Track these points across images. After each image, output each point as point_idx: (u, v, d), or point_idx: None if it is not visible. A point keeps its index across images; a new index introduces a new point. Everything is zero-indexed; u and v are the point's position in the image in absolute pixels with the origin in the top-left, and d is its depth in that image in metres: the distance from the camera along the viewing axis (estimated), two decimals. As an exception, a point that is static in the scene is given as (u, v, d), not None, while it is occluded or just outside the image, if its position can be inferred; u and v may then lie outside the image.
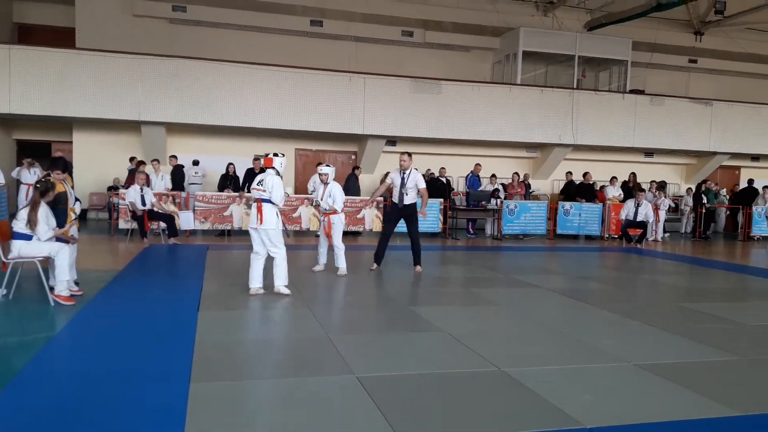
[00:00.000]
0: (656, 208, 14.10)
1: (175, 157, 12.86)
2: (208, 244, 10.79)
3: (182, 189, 12.51)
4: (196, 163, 13.62)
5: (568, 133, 15.38)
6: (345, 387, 3.67)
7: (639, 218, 12.88)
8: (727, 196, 17.06)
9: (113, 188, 13.07)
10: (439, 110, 14.54)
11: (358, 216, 12.88)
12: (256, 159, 13.05)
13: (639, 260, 10.78)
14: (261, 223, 6.19)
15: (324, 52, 15.61)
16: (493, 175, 14.28)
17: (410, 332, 5.06)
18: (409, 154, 8.13)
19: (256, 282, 6.35)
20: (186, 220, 11.58)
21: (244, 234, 12.51)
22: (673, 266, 10.15)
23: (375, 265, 8.30)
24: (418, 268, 8.27)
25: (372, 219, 12.95)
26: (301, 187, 15.06)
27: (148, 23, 14.84)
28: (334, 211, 7.77)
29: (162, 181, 12.33)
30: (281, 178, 6.33)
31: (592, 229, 14.21)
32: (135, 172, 11.51)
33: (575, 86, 16.30)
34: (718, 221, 16.45)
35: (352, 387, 3.65)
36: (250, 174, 12.70)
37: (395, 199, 8.21)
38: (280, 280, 6.32)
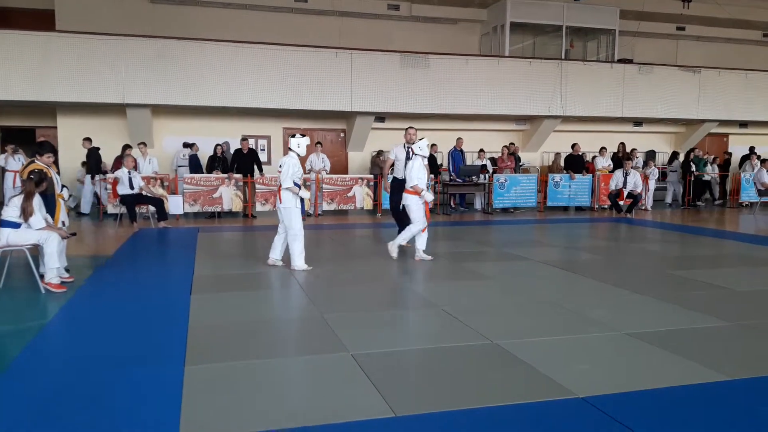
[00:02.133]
0: (645, 178, 14.15)
1: (89, 139, 12.34)
2: (198, 226, 10.75)
3: (100, 172, 12.05)
4: (186, 145, 13.49)
5: (557, 104, 15.32)
6: (340, 364, 3.70)
7: (628, 188, 12.93)
8: (715, 165, 17.09)
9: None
10: (428, 85, 14.42)
11: (349, 194, 12.85)
12: (244, 139, 12.97)
13: (629, 230, 10.86)
14: (280, 202, 6.66)
15: (309, 29, 15.40)
16: (481, 150, 14.25)
17: (404, 309, 5.09)
18: (416, 129, 8.13)
19: (273, 253, 6.90)
20: (175, 205, 11.51)
21: (234, 216, 12.49)
22: (662, 235, 10.22)
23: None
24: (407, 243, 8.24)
25: (363, 197, 12.93)
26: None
27: (130, 3, 14.55)
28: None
29: (150, 164, 12.22)
30: (298, 157, 6.67)
31: (582, 200, 14.27)
32: (121, 157, 11.40)
33: (563, 57, 16.20)
34: (713, 189, 16.51)
35: (346, 364, 3.68)
36: (238, 155, 12.63)
37: (398, 174, 8.18)
38: (295, 258, 6.63)
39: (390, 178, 8.53)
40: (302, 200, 6.83)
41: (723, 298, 5.49)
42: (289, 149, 6.72)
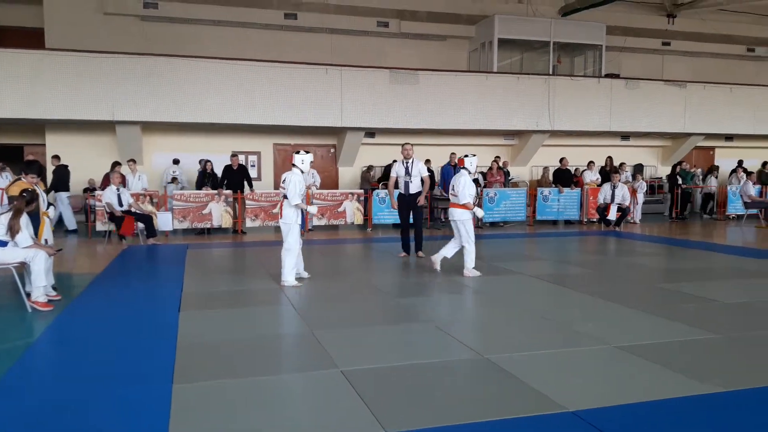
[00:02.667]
0: (633, 191, 14.26)
1: (57, 157, 12.36)
2: (188, 243, 10.70)
3: (67, 189, 12.05)
4: (176, 161, 13.46)
5: (545, 119, 15.46)
6: (329, 381, 3.67)
7: (616, 200, 13.02)
8: (701, 177, 17.25)
9: (89, 190, 12.87)
10: (417, 100, 14.53)
11: (339, 209, 12.85)
12: (234, 156, 12.97)
13: (617, 243, 10.91)
14: (281, 217, 6.78)
15: (300, 45, 15.51)
16: (428, 160, 14.25)
17: (395, 324, 5.07)
18: (411, 145, 8.57)
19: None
20: (164, 222, 11.46)
21: (224, 232, 12.45)
22: (650, 248, 10.28)
23: (403, 253, 8.83)
24: (420, 253, 8.75)
25: (353, 212, 12.93)
26: (280, 182, 14.94)
27: (120, 21, 14.59)
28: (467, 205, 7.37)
29: (139, 181, 12.18)
30: (302, 174, 6.78)
31: (571, 213, 14.35)
32: (110, 173, 11.36)
33: (551, 72, 16.37)
34: (694, 202, 16.68)
35: (336, 381, 3.66)
36: (228, 171, 12.61)
37: (402, 190, 8.67)
38: (284, 272, 6.64)
39: (396, 193, 8.99)
40: (302, 216, 6.95)
41: (711, 310, 5.52)
42: (293, 165, 6.81)
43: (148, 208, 11.58)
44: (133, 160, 12.47)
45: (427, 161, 14.00)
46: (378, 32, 16.35)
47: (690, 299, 5.97)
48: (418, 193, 8.60)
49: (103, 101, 12.47)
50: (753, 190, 14.36)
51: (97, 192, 11.62)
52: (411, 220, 8.87)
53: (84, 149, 13.62)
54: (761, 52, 19.53)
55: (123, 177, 11.13)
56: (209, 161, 12.79)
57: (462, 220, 7.29)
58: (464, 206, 7.31)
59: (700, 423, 3.07)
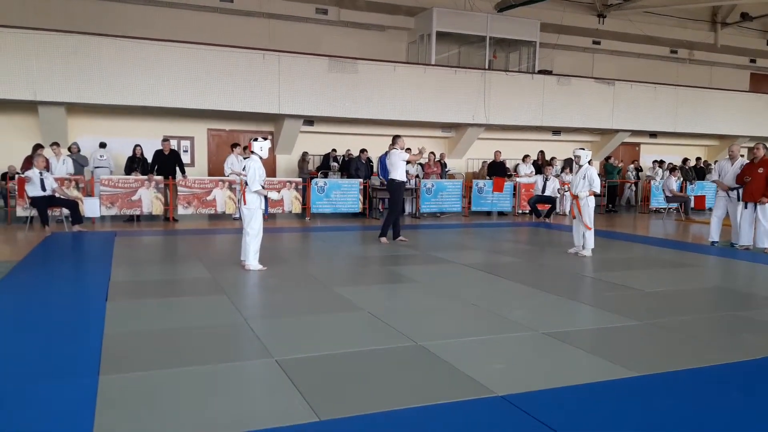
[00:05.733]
0: (564, 184, 14.76)
1: None
2: (116, 230, 10.31)
3: None
4: (102, 145, 12.90)
5: (480, 112, 15.75)
6: (263, 371, 3.64)
7: (547, 193, 13.46)
8: (635, 171, 18.10)
9: (7, 175, 12.14)
10: (356, 90, 14.49)
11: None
12: (165, 140, 12.57)
13: (548, 234, 11.29)
14: (245, 203, 6.90)
15: (236, 29, 15.12)
16: (409, 148, 14.40)
17: (329, 313, 5.07)
18: (396, 136, 9.32)
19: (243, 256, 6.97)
20: (91, 208, 10.99)
21: (153, 219, 12.06)
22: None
23: (403, 238, 9.45)
24: (383, 239, 9.33)
25: (291, 200, 12.79)
26: (214, 169, 14.63)
27: (42, -4, 13.81)
28: (591, 193, 8.35)
29: (64, 165, 11.62)
30: (261, 161, 6.90)
31: (504, 205, 14.73)
32: (32, 157, 10.78)
33: (487, 67, 16.69)
34: (630, 194, 17.50)
35: (270, 370, 3.63)
36: (159, 156, 12.23)
37: (403, 178, 9.40)
38: (249, 257, 6.85)
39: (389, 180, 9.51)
40: (266, 201, 7.12)
41: (633, 298, 5.80)
42: (252, 152, 6.91)
43: (74, 193, 11.08)
44: (57, 144, 11.87)
45: (363, 150, 14.06)
46: (317, 19, 16.17)
47: (613, 288, 6.26)
48: (390, 181, 9.42)
49: (23, 80, 11.79)
50: (675, 185, 15.15)
51: (26, 173, 10.98)
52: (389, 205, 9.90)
53: (2, 131, 12.86)
54: (683, 54, 20.58)
55: (47, 161, 10.58)
56: (138, 145, 12.35)
57: (589, 205, 8.31)
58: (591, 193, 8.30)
59: (621, 404, 3.23)
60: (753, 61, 21.96)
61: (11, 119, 12.89)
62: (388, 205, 9.52)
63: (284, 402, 3.16)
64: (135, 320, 4.71)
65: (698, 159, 19.14)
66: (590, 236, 8.36)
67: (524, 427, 2.91)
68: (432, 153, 14.89)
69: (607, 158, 17.20)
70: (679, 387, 3.50)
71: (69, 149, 12.28)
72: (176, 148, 13.58)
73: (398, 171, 9.19)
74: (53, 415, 2.94)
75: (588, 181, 8.28)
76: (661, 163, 17.62)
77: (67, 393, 3.20)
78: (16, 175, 11.16)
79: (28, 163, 11.21)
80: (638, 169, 17.92)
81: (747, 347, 4.28)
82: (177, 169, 12.20)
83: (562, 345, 4.22)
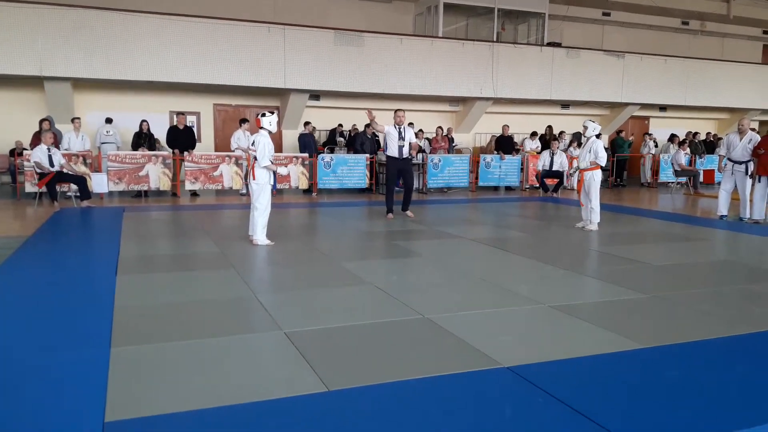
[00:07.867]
0: (572, 159, 14.66)
1: None
2: (124, 206, 10.36)
3: None
4: (109, 121, 12.89)
5: (488, 86, 15.60)
6: (272, 343, 3.68)
7: (554, 167, 13.38)
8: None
9: (15, 151, 12.18)
10: (363, 63, 14.36)
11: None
12: (181, 114, 12.57)
13: (555, 208, 11.26)
14: (254, 179, 6.85)
15: (241, 2, 14.97)
16: (420, 131, 14.34)
17: (337, 287, 5.10)
18: (395, 111, 9.01)
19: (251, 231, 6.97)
20: (99, 183, 11.02)
21: (162, 194, 12.10)
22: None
23: (390, 215, 9.21)
24: (409, 213, 9.38)
25: (298, 176, 12.79)
26: (221, 144, 14.62)
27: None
28: (596, 166, 8.27)
29: (82, 141, 11.64)
30: (269, 136, 6.85)
31: (512, 180, 14.67)
32: (41, 132, 10.79)
33: (495, 39, 16.47)
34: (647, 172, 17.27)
35: (279, 342, 3.66)
36: (174, 131, 12.25)
37: (394, 153, 9.01)
38: (257, 232, 6.85)
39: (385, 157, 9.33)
40: (274, 177, 7.08)
41: (641, 272, 5.80)
42: (261, 128, 6.84)
43: (82, 169, 11.12)
44: (78, 118, 11.88)
45: (369, 125, 13.95)
46: (322, -8, 15.98)
47: (621, 261, 6.25)
48: (409, 158, 9.20)
49: (29, 55, 11.75)
50: (684, 159, 15.02)
51: (26, 152, 11.03)
52: (405, 182, 9.41)
53: (10, 106, 12.87)
54: (694, 25, 20.22)
55: (55, 136, 10.58)
56: (145, 120, 12.34)
57: (593, 180, 8.27)
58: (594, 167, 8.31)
59: (627, 375, 3.25)
60: (766, 32, 21.55)
61: (18, 95, 12.89)
62: (408, 181, 9.50)
63: (293, 373, 3.20)
64: (145, 293, 4.76)
65: (708, 133, 18.91)
66: (596, 211, 8.32)
67: (530, 398, 2.93)
68: (439, 127, 14.78)
69: (618, 131, 17.03)
70: (686, 359, 3.52)
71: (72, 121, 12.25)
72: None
73: (389, 146, 9.12)
74: (67, 384, 2.99)
75: (593, 154, 8.22)
76: (672, 137, 17.37)
77: (79, 363, 3.25)
78: (24, 151, 11.20)
79: (36, 138, 11.23)
80: (655, 143, 17.38)
81: (754, 320, 4.28)
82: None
83: (569, 318, 4.23)
